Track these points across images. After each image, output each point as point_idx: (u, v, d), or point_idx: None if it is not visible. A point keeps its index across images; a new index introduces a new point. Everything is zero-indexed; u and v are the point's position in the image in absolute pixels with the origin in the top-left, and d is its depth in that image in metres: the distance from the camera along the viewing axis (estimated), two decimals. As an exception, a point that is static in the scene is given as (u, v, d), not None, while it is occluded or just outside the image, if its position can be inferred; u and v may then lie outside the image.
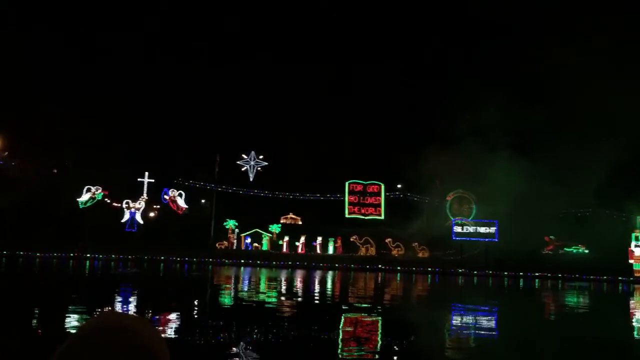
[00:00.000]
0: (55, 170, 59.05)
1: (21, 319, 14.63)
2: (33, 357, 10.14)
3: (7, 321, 14.30)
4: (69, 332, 12.24)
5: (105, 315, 1.06)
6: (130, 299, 21.33)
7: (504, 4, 73.56)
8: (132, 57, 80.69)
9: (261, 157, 63.79)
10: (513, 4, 70.53)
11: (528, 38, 72.26)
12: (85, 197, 54.20)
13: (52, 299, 19.80)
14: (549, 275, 45.40)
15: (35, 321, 14.88)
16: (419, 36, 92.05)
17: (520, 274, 45.98)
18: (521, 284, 41.56)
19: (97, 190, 54.57)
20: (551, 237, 56.74)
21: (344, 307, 20.91)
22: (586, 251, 56.04)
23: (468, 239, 53.70)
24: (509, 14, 75.11)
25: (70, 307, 16.85)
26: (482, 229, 53.25)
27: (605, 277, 44.68)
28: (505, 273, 46.13)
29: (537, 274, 45.86)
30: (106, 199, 55.51)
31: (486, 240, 52.43)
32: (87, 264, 42.16)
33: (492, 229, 52.91)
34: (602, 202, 56.14)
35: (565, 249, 56.40)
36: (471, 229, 53.84)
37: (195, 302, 21.58)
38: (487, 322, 19.37)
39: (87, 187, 54.35)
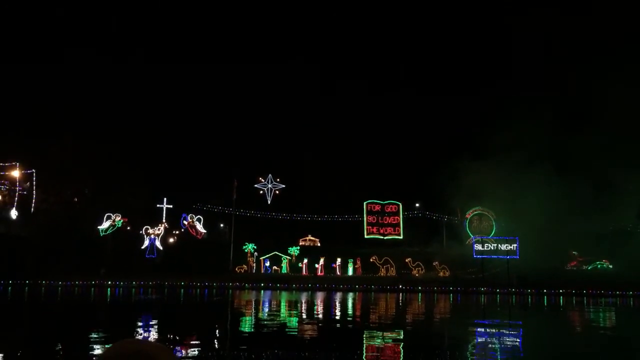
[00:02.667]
0: (75, 199, 59.75)
1: (45, 347, 14.67)
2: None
3: (31, 349, 14.34)
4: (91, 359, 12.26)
5: (125, 342, 1.06)
6: (152, 326, 21.31)
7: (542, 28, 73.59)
8: (149, 85, 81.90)
9: (278, 179, 64.03)
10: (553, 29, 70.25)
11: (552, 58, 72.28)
12: (105, 224, 54.68)
13: (74, 327, 19.88)
14: (574, 291, 44.57)
15: (58, 349, 14.90)
16: (442, 52, 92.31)
17: (544, 290, 45.18)
18: (546, 301, 40.83)
19: (116, 218, 55.04)
20: (574, 252, 55.94)
21: (368, 330, 20.68)
22: (610, 266, 55.09)
23: (489, 256, 52.97)
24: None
25: (92, 335, 16.87)
26: (503, 246, 52.49)
27: (631, 292, 43.72)
28: (529, 290, 45.37)
29: (561, 290, 45.02)
30: (126, 226, 55.94)
31: (507, 257, 51.67)
32: (109, 291, 42.32)
33: (514, 246, 52.14)
34: (627, 217, 55.39)
35: (589, 264, 55.53)
36: (492, 247, 53.09)
37: (218, 328, 21.49)
38: (516, 342, 19.01)
39: (107, 214, 54.86)
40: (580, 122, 58.70)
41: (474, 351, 16.26)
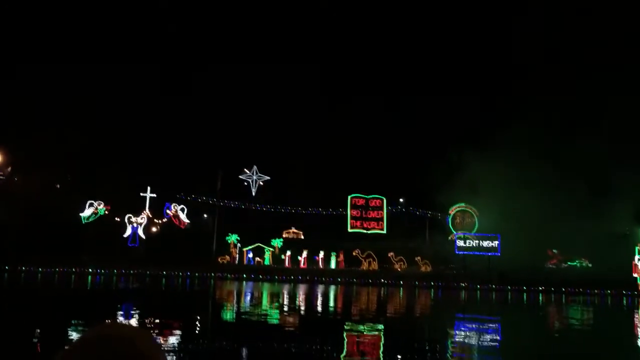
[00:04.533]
0: (57, 185, 59.16)
1: (22, 334, 14.58)
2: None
3: (7, 336, 14.24)
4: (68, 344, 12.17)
5: (105, 325, 1.06)
6: (132, 315, 21.23)
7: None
8: (134, 72, 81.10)
9: (263, 171, 63.91)
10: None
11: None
12: (87, 212, 54.21)
13: (53, 314, 19.76)
14: (553, 289, 45.18)
15: (35, 335, 14.81)
16: (432, 48, 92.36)
17: (524, 288, 45.74)
18: (524, 298, 41.34)
19: (99, 205, 54.58)
20: (554, 250, 56.51)
21: (348, 322, 20.81)
22: (590, 265, 55.77)
23: (471, 252, 53.54)
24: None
25: (71, 322, 16.79)
26: (484, 243, 53.10)
27: (609, 291, 44.44)
28: (509, 287, 45.88)
29: (540, 287, 45.60)
30: (108, 214, 55.50)
31: (489, 254, 52.24)
32: (89, 279, 42.08)
33: (495, 243, 52.75)
34: (606, 215, 55.88)
35: (568, 262, 56.15)
36: (474, 243, 53.65)
37: (198, 318, 21.48)
38: (491, 337, 19.25)
39: (89, 202, 54.37)
40: (576, 121, 58.94)
41: (452, 345, 16.44)
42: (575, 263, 56.28)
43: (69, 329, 15.25)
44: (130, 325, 1.08)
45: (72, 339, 13.51)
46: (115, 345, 0.96)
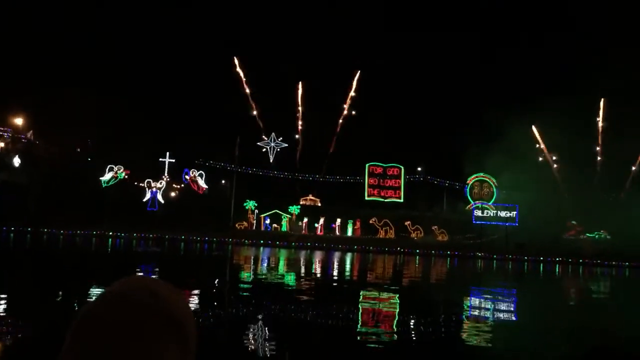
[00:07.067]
0: (78, 150, 59.80)
1: (45, 292, 14.93)
2: (57, 323, 10.32)
3: (32, 295, 14.59)
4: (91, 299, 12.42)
5: (127, 279, 1.06)
6: (152, 276, 21.56)
7: None
8: (155, 39, 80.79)
9: (281, 138, 63.89)
10: None
11: None
12: (107, 176, 54.83)
13: (74, 275, 20.17)
14: (570, 260, 44.97)
15: (58, 293, 15.15)
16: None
17: (541, 258, 45.57)
18: (541, 268, 41.22)
19: (119, 170, 55.15)
20: (573, 222, 56.05)
21: (363, 287, 20.96)
22: (608, 237, 55.32)
23: (488, 222, 53.37)
24: None
25: (92, 282, 17.11)
26: (502, 213, 52.85)
27: (627, 263, 44.12)
28: (526, 258, 45.75)
29: (558, 258, 45.41)
30: (128, 178, 56.08)
31: (507, 224, 52.02)
32: (110, 241, 42.79)
33: (513, 213, 52.46)
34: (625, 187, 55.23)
35: (587, 234, 55.69)
36: (492, 213, 53.44)
37: (215, 281, 21.78)
38: (505, 306, 19.27)
39: (109, 166, 54.95)
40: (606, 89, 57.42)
41: (466, 311, 16.49)
42: (594, 235, 55.82)
43: (90, 288, 15.56)
44: (157, 279, 1.07)
45: (94, 296, 13.78)
46: (138, 295, 0.98)
